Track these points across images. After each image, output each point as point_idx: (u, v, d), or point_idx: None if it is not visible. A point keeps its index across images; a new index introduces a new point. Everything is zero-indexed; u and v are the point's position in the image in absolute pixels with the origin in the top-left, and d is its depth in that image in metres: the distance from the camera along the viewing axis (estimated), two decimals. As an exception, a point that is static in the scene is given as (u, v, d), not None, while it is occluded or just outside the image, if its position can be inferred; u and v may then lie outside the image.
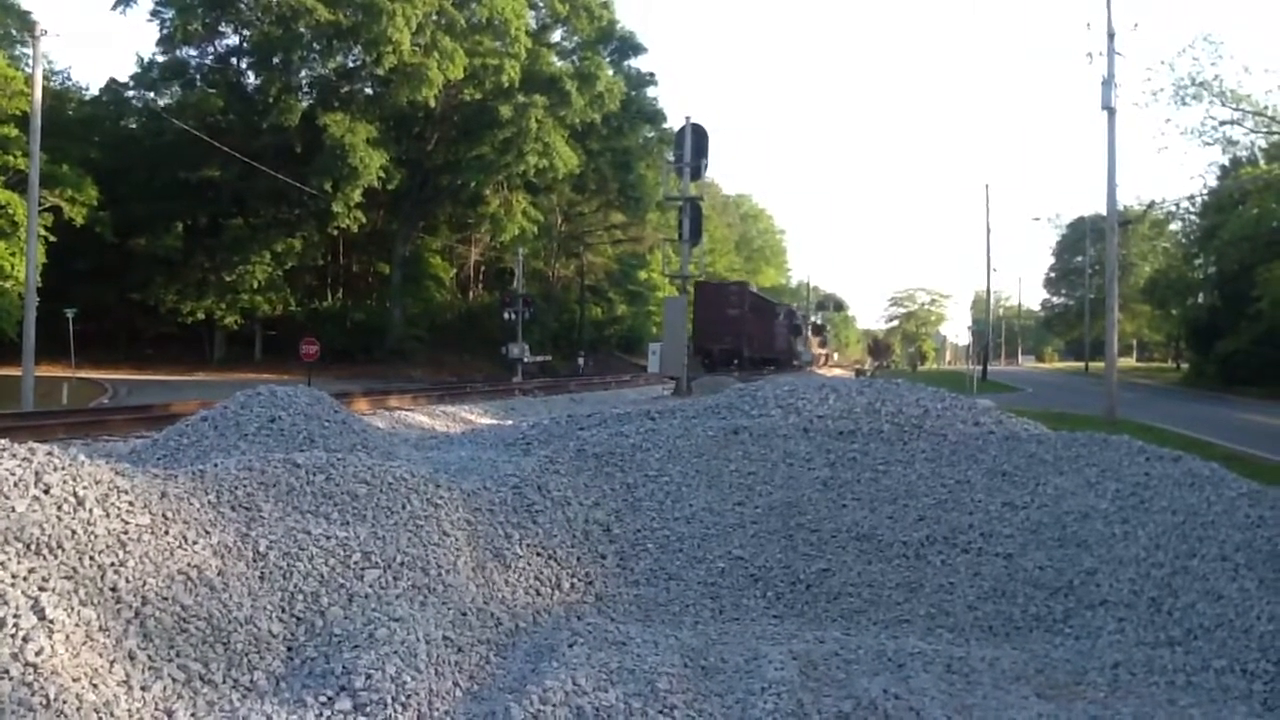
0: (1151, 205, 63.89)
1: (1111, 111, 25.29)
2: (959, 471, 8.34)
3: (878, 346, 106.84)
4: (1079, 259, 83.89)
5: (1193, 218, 57.44)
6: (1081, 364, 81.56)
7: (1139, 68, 75.93)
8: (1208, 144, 45.33)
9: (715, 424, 9.38)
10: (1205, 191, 52.80)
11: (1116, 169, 25.59)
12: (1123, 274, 49.19)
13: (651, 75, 66.37)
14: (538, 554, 6.86)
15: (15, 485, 4.77)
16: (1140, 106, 61.29)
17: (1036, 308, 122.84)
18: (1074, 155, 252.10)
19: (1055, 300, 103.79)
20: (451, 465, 8.80)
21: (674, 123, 57.12)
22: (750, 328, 50.47)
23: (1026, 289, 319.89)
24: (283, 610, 4.99)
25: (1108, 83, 25.13)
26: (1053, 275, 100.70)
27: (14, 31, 44.04)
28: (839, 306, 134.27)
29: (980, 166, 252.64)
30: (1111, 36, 25.36)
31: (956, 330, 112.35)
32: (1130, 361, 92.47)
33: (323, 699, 4.36)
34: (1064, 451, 8.47)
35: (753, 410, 10.07)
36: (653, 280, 71.83)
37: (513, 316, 46.39)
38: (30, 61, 30.08)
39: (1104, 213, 28.61)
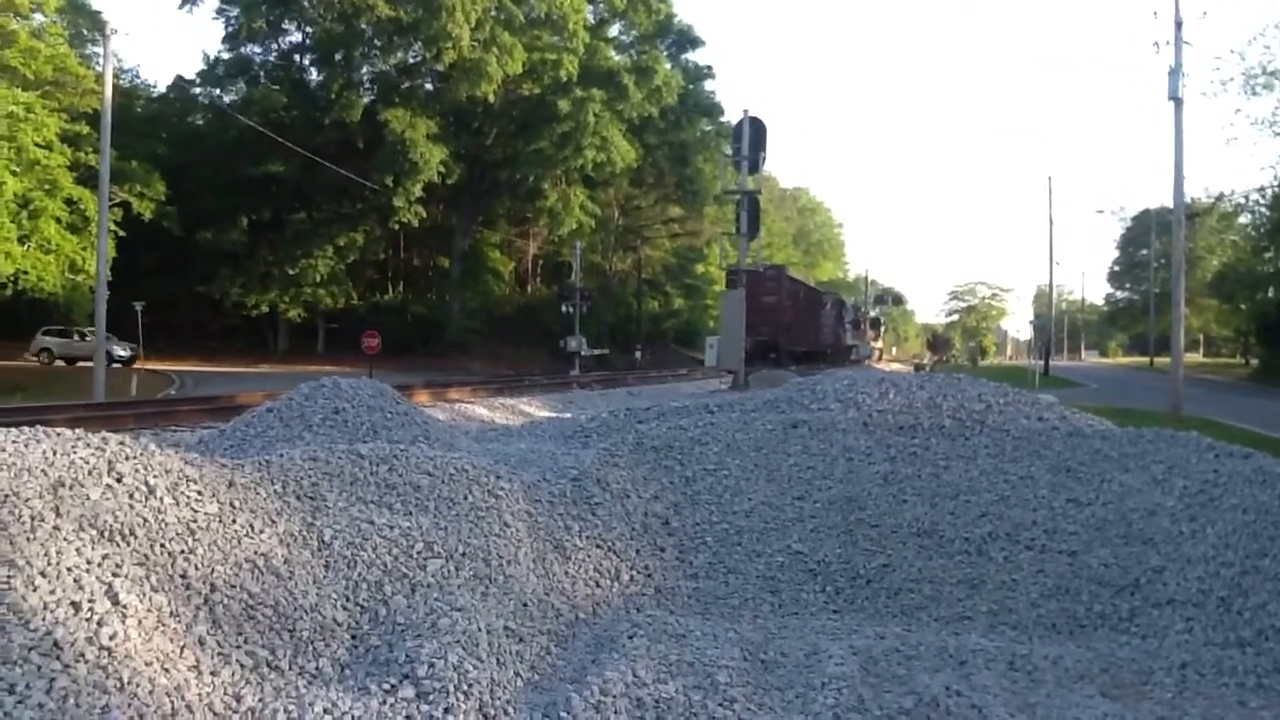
0: (1220, 197, 62.55)
1: (1179, 102, 24.77)
2: (1022, 467, 8.22)
3: (937, 341, 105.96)
4: (1144, 252, 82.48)
5: (1262, 210, 55.89)
6: (1146, 359, 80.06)
7: (1207, 57, 74.42)
8: (1278, 134, 44.26)
9: (774, 418, 9.33)
10: (1276, 183, 51.44)
11: (1184, 160, 25.08)
12: (1189, 267, 48.17)
13: (709, 68, 66.43)
14: (597, 546, 6.88)
15: (89, 473, 4.88)
16: (1208, 96, 60.45)
17: (1100, 302, 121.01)
18: (1140, 147, 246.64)
19: (1119, 294, 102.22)
20: (511, 457, 8.84)
21: (732, 116, 57.41)
22: (789, 317, 45.73)
23: (1090, 283, 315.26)
24: (347, 599, 5.05)
25: (1175, 72, 24.61)
26: (1117, 269, 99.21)
27: (85, 30, 45.08)
28: (898, 300, 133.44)
29: (1043, 158, 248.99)
30: (1179, 25, 24.84)
31: (1018, 325, 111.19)
32: (1197, 357, 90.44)
33: (386, 686, 4.40)
34: (1130, 448, 8.30)
35: (812, 404, 9.99)
36: (710, 274, 71.78)
37: (570, 310, 46.59)
38: (100, 60, 30.71)
39: (1170, 205, 28.05)
